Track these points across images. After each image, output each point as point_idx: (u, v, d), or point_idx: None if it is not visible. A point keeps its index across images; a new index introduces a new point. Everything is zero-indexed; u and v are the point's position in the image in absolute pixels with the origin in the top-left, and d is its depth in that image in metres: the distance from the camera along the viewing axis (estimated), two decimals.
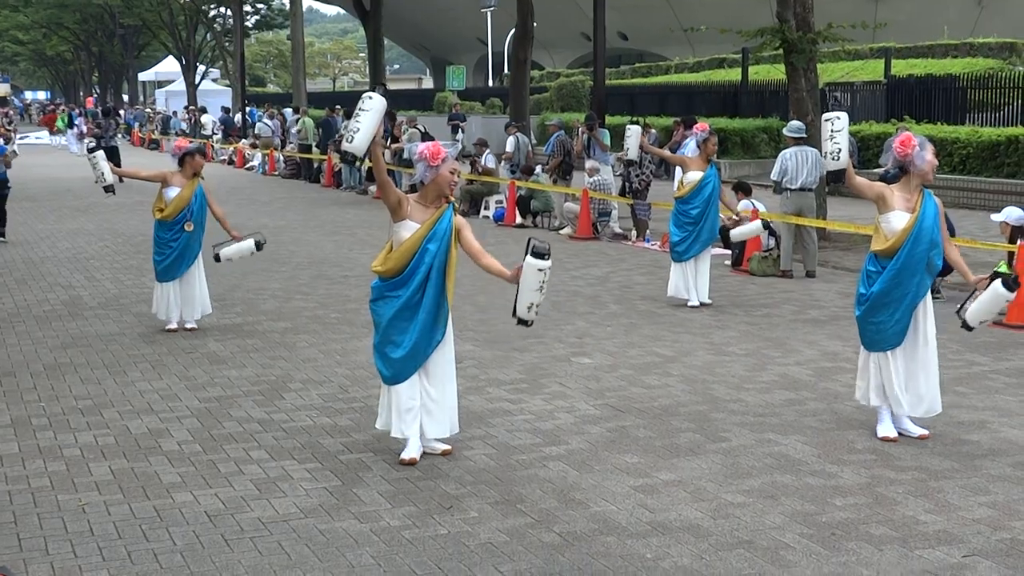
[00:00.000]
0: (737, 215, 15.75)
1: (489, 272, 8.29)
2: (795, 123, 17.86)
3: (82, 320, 13.79)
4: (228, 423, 9.34)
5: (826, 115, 8.94)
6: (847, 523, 7.03)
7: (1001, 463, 8.22)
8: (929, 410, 8.87)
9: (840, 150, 8.68)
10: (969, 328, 9.23)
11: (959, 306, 9.31)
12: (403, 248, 8.09)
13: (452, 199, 8.26)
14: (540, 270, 7.92)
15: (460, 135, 37.42)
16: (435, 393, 8.26)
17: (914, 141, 8.66)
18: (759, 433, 9.01)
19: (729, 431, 9.06)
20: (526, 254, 7.86)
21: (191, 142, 14.18)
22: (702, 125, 15.28)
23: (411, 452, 8.22)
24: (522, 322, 8.20)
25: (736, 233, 15.70)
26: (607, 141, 23.10)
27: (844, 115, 8.93)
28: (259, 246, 12.93)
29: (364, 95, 8.04)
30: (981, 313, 9.10)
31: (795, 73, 20.54)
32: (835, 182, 8.86)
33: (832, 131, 8.74)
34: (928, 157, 8.64)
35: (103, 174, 13.17)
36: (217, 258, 12.88)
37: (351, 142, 7.84)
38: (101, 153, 13.72)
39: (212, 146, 48.04)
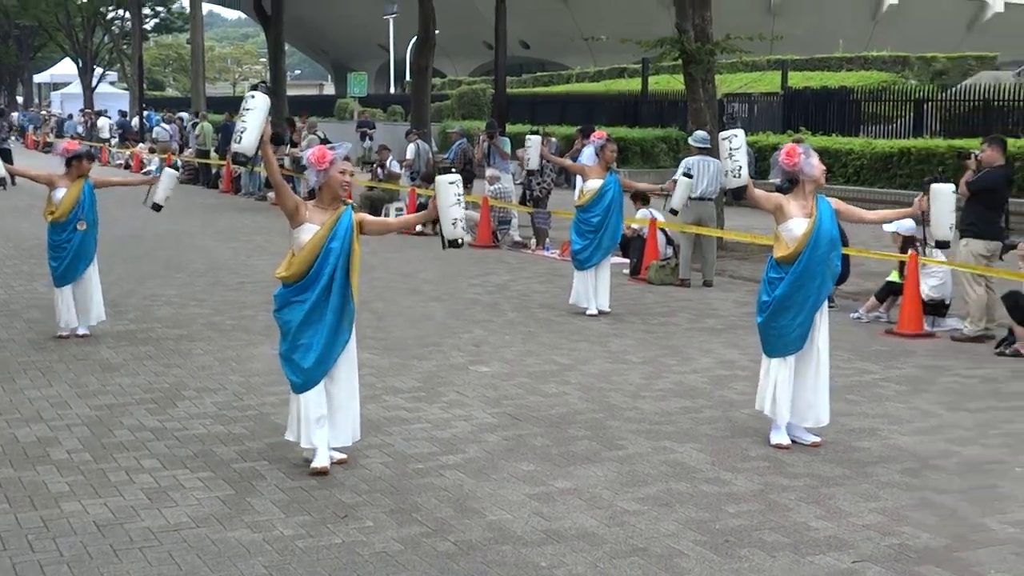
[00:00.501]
0: (663, 190, 15.87)
1: (408, 226, 8.53)
2: (700, 133, 17.99)
3: None
4: (119, 431, 9.21)
5: (723, 133, 9.06)
6: (740, 530, 7.09)
7: (891, 470, 8.34)
8: (817, 421, 8.98)
9: (740, 167, 8.81)
10: (946, 245, 9.70)
11: (923, 240, 9.67)
12: (306, 250, 8.03)
13: (349, 200, 8.22)
14: (451, 183, 8.23)
15: (368, 142, 37.18)
16: (340, 399, 8.19)
17: (799, 150, 8.80)
18: (655, 441, 9.05)
19: (625, 439, 9.10)
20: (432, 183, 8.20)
21: (80, 144, 14.02)
22: (599, 133, 15.36)
23: (322, 461, 8.13)
24: (453, 243, 8.31)
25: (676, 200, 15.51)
26: (507, 149, 23.13)
27: (741, 132, 9.05)
28: (176, 168, 13.10)
29: (247, 94, 8.01)
30: (943, 221, 9.43)
31: (694, 83, 20.71)
32: (737, 199, 8.98)
33: (731, 149, 8.86)
34: (815, 162, 8.81)
35: (166, 198, 13.33)
36: (157, 207, 13.10)
37: (239, 143, 7.82)
38: (174, 173, 13.85)
39: (109, 150, 47.44)
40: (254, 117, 7.86)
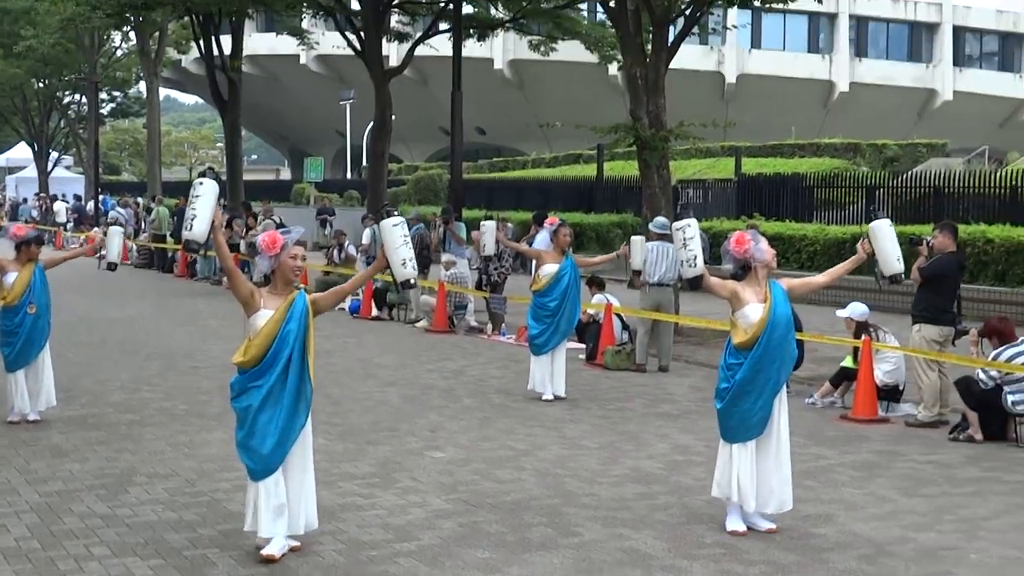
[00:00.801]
0: (619, 255, 15.98)
1: (359, 285, 8.61)
2: (660, 219, 18.09)
3: None
4: (69, 518, 9.08)
5: (677, 224, 9.13)
6: None
7: (847, 556, 8.32)
8: (781, 506, 8.97)
9: (695, 257, 8.87)
10: (899, 279, 9.72)
11: (877, 274, 9.66)
12: (263, 334, 7.99)
13: (303, 284, 8.21)
14: (395, 225, 8.41)
15: (329, 229, 37.15)
16: (294, 485, 8.12)
17: (747, 237, 8.89)
18: (611, 527, 9.01)
19: (581, 525, 9.06)
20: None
21: (31, 229, 13.98)
22: (552, 219, 15.46)
23: (273, 549, 8.03)
24: (405, 283, 8.44)
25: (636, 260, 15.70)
26: (463, 234, 23.21)
27: (694, 221, 9.13)
28: (117, 223, 13.11)
29: (195, 182, 8.03)
30: (889, 255, 9.59)
31: (648, 170, 20.88)
32: (693, 288, 9.01)
33: (685, 239, 8.93)
34: (764, 247, 8.92)
35: (117, 254, 13.40)
36: (112, 266, 13.24)
37: (190, 230, 7.83)
38: (118, 229, 13.97)
39: (64, 234, 47.27)
40: (203, 204, 7.88)
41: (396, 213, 8.68)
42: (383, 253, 8.46)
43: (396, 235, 8.39)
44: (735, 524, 8.88)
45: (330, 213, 42.22)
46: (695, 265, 8.88)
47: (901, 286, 10.92)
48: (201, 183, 7.98)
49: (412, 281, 8.46)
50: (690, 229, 8.98)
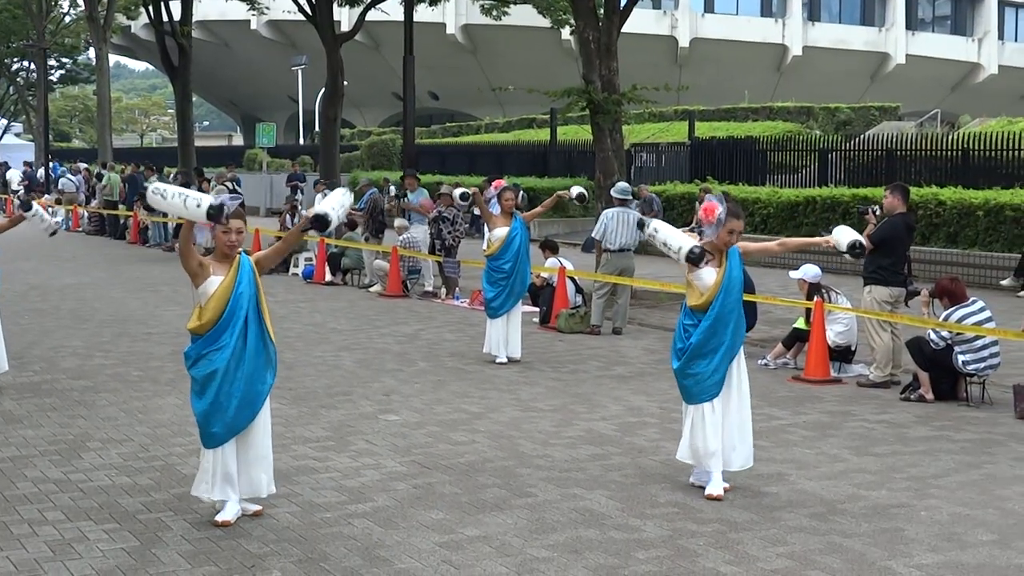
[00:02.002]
0: (560, 197, 15.85)
1: (298, 237, 8.52)
2: (621, 184, 18.09)
3: None
4: (22, 483, 9.04)
5: (646, 231, 9.11)
6: None
7: (799, 514, 8.40)
8: (744, 463, 9.03)
9: (680, 248, 8.80)
10: (856, 247, 9.52)
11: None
12: (215, 297, 7.94)
13: (241, 250, 8.15)
14: (344, 194, 8.50)
15: (300, 195, 36.72)
16: (258, 449, 8.10)
17: (713, 216, 8.86)
18: (564, 488, 9.05)
19: (535, 486, 9.09)
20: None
21: None
22: (498, 182, 15.45)
23: (228, 515, 8.04)
24: (321, 217, 8.16)
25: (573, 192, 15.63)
26: (424, 198, 23.23)
27: (657, 222, 9.13)
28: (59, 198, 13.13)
29: (153, 191, 8.01)
30: (844, 236, 9.54)
31: (601, 133, 20.90)
32: (698, 263, 8.87)
33: (663, 243, 8.89)
34: (722, 233, 8.87)
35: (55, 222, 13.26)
36: (28, 207, 12.85)
37: (335, 211, 8.12)
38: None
39: (14, 201, 46.84)
40: (180, 189, 7.96)
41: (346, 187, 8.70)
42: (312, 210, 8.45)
43: (339, 195, 8.46)
44: (715, 488, 8.84)
45: (301, 179, 41.43)
46: (680, 252, 8.82)
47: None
48: (163, 189, 7.98)
49: (327, 219, 8.28)
50: (659, 234, 8.96)
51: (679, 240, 8.85)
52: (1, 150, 68.03)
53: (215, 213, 7.69)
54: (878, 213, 13.51)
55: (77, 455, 9.93)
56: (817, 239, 9.83)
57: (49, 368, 14.02)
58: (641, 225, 8.95)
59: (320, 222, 8.09)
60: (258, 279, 8.11)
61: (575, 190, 15.67)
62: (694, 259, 8.69)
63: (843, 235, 9.61)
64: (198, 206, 7.72)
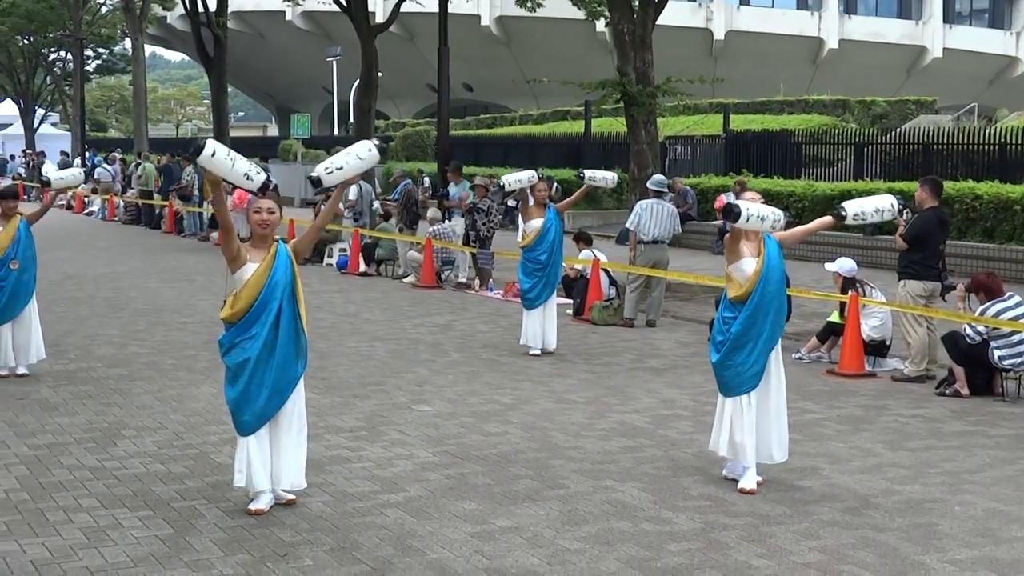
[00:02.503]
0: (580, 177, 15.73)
1: (332, 212, 8.48)
2: (657, 176, 18.08)
3: None
4: (58, 471, 9.11)
5: (853, 218, 9.08)
6: (681, 568, 7.09)
7: (832, 508, 8.37)
8: (780, 457, 9.00)
9: (893, 205, 8.78)
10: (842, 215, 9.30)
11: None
12: (250, 285, 7.95)
13: (278, 237, 8.16)
14: (369, 148, 8.34)
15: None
16: (292, 439, 8.12)
17: (722, 200, 8.87)
18: (597, 480, 9.05)
19: (567, 478, 9.09)
20: None
21: (10, 182, 14.04)
22: None
23: (261, 504, 8.08)
24: (316, 181, 8.23)
25: (593, 176, 15.47)
26: (465, 191, 23.27)
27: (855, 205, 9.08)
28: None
29: (370, 144, 8.18)
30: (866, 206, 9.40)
31: (635, 126, 20.87)
32: (733, 220, 8.77)
33: (758, 216, 8.77)
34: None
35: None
36: (47, 183, 13.36)
37: (329, 173, 7.98)
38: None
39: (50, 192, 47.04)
40: (354, 163, 8.04)
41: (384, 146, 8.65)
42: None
43: (361, 147, 8.36)
44: (748, 482, 8.83)
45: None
46: (893, 209, 8.81)
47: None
48: (370, 150, 8.03)
49: (317, 181, 8.26)
50: (862, 211, 8.95)
51: (771, 210, 8.80)
52: (38, 140, 68.39)
53: (265, 186, 7.76)
54: (906, 216, 13.42)
55: (112, 443, 9.99)
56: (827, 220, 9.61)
57: (85, 356, 14.10)
58: (735, 216, 8.73)
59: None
60: (295, 268, 8.12)
61: (608, 174, 15.57)
62: (732, 212, 8.63)
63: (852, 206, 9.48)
64: (247, 178, 7.79)
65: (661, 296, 17.54)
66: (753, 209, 8.67)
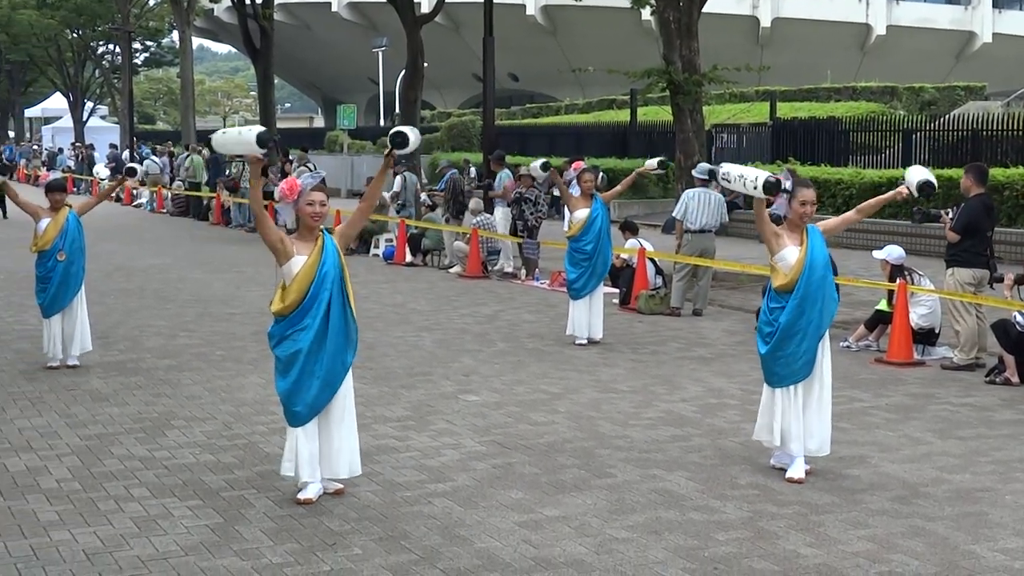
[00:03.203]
0: (640, 174, 15.69)
1: (378, 188, 8.57)
2: (703, 165, 18.06)
3: None
4: (109, 460, 9.19)
5: (718, 177, 9.02)
6: (729, 557, 7.08)
7: (880, 497, 8.33)
8: (820, 448, 8.95)
9: (756, 177, 8.68)
10: (927, 184, 9.25)
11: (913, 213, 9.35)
12: (300, 277, 7.98)
13: (323, 228, 8.18)
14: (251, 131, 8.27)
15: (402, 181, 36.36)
16: (338, 428, 8.15)
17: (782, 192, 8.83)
18: (644, 469, 9.05)
19: (614, 467, 9.10)
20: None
21: (55, 177, 14.18)
22: (577, 164, 15.43)
23: (310, 493, 8.13)
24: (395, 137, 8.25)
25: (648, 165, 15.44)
26: (508, 181, 23.28)
27: (727, 165, 9.03)
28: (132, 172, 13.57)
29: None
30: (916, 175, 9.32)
31: (682, 114, 20.80)
32: (772, 192, 8.74)
33: (738, 176, 8.78)
34: (794, 205, 8.81)
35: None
36: (133, 172, 14.07)
37: (251, 130, 7.98)
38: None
39: (100, 183, 47.43)
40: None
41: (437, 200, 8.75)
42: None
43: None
44: (796, 471, 8.78)
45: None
46: (758, 185, 8.71)
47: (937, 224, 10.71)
48: (250, 131, 8.06)
49: (401, 136, 8.28)
50: (731, 171, 8.85)
51: (753, 172, 8.76)
52: (87, 133, 68.88)
53: (265, 137, 7.78)
54: (950, 214, 13.31)
55: (162, 433, 10.07)
56: (891, 194, 9.55)
57: (134, 347, 14.21)
58: (712, 175, 8.77)
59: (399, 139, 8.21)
60: (343, 258, 8.15)
61: (653, 161, 15.52)
62: (770, 187, 8.56)
63: (913, 175, 9.41)
64: (240, 134, 7.95)
65: (708, 285, 17.49)
66: (735, 172, 8.71)
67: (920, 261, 18.07)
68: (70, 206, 13.01)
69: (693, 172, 17.93)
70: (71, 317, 12.86)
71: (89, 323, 13.16)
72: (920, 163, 29.30)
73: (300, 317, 8.03)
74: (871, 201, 9.53)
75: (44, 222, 12.81)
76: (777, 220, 9.16)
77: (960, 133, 29.51)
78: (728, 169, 8.95)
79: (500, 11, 31.37)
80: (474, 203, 22.94)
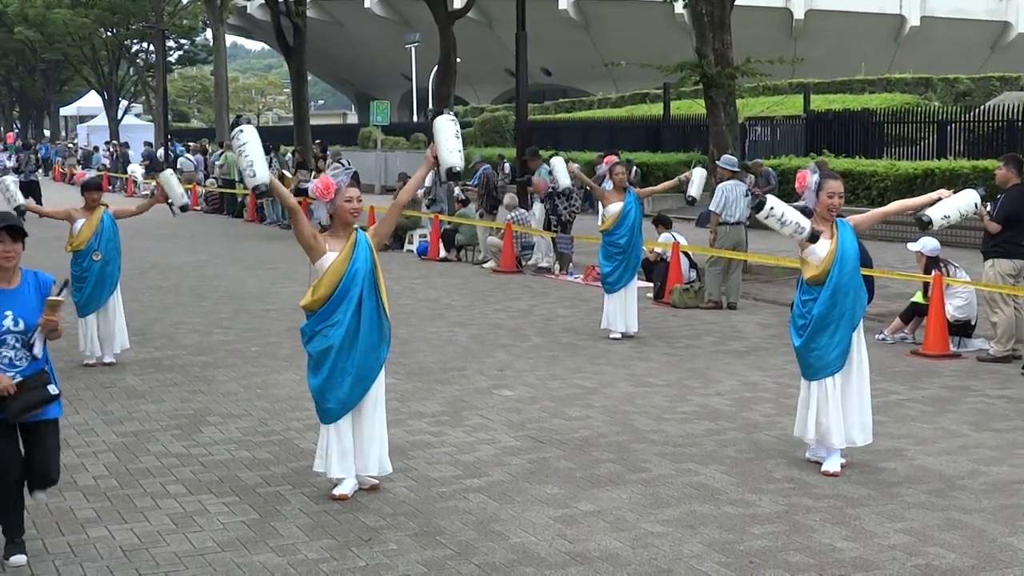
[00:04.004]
0: (680, 180, 15.62)
1: (416, 186, 8.60)
2: (728, 157, 18.00)
3: None
4: (145, 457, 9.25)
5: (763, 212, 8.92)
6: (765, 551, 7.07)
7: (916, 490, 8.30)
8: (865, 439, 8.91)
9: (798, 224, 8.71)
10: (928, 223, 9.26)
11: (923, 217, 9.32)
12: (330, 273, 8.00)
13: (357, 225, 8.20)
14: (451, 120, 8.47)
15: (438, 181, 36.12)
16: (369, 424, 8.18)
17: (807, 181, 8.82)
18: (679, 463, 9.04)
19: (649, 461, 9.09)
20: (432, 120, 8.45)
21: (92, 175, 14.22)
22: (608, 158, 15.39)
23: (345, 489, 8.16)
24: (450, 171, 8.40)
25: (694, 189, 15.38)
26: (542, 176, 23.28)
27: (773, 200, 8.93)
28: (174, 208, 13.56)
29: (235, 131, 8.10)
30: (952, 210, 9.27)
31: (715, 107, 20.75)
32: (814, 240, 8.75)
33: (779, 219, 8.71)
34: (822, 197, 8.78)
35: (13, 196, 13.55)
36: (184, 208, 13.98)
37: (254, 176, 7.89)
38: (9, 178, 14.06)
39: (134, 181, 47.69)
40: (253, 148, 7.95)
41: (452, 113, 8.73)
42: (433, 148, 8.44)
43: (450, 129, 8.41)
44: (832, 464, 8.76)
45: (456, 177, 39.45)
46: (803, 230, 8.70)
47: (969, 221, 10.66)
48: (242, 130, 8.05)
49: (456, 168, 8.40)
50: (776, 210, 8.77)
51: (797, 217, 8.73)
52: (122, 131, 69.19)
53: (256, 191, 7.92)
54: (989, 206, 13.22)
55: (198, 429, 10.12)
56: (930, 196, 9.50)
57: (170, 344, 14.28)
58: (759, 207, 8.75)
59: (450, 173, 8.42)
60: (375, 255, 8.17)
61: (692, 189, 15.40)
62: (813, 238, 8.64)
63: (962, 199, 9.40)
64: (252, 175, 7.92)
65: (739, 278, 17.46)
66: (779, 210, 8.64)
67: (955, 253, 17.96)
68: (106, 205, 13.07)
69: (719, 163, 17.87)
70: (108, 316, 12.94)
71: (125, 321, 13.23)
72: (954, 155, 29.25)
73: (330, 312, 8.05)
74: (908, 202, 9.50)
75: (79, 223, 12.89)
76: (806, 213, 9.11)
77: (996, 124, 29.33)
78: (773, 208, 8.79)
79: (533, 6, 31.30)
80: (508, 198, 22.94)
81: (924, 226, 9.23)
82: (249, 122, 8.43)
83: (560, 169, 17.28)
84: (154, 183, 42.47)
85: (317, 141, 38.07)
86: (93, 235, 12.83)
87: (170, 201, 13.68)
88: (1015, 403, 11.09)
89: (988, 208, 13.15)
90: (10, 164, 54.47)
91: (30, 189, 29.36)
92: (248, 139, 7.96)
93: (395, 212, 8.65)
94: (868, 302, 13.31)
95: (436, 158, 8.44)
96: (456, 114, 9.13)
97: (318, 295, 8.05)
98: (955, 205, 9.26)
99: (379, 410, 8.26)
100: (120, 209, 13.57)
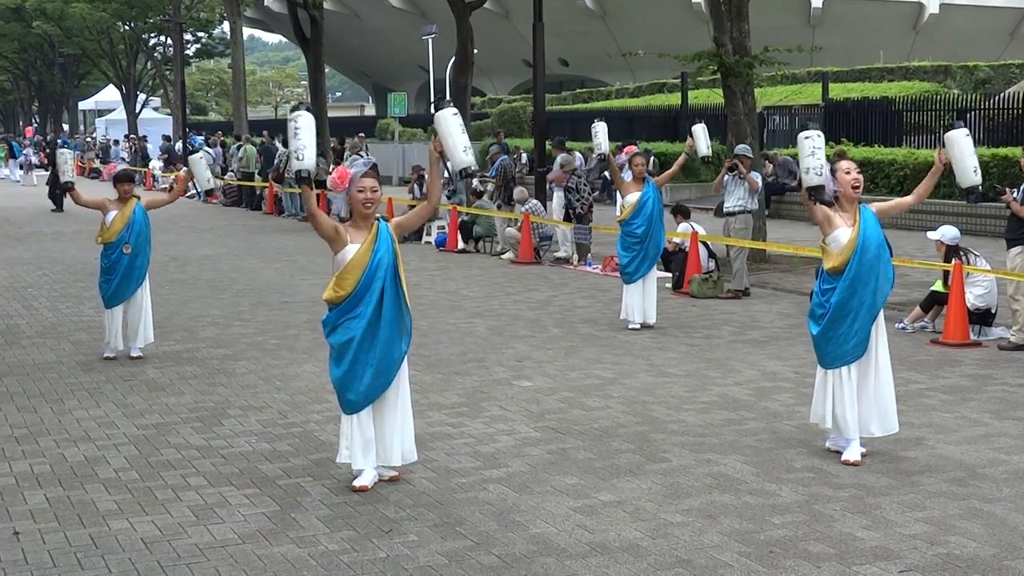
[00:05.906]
0: (686, 153, 15.66)
1: (433, 190, 8.56)
2: (742, 146, 17.98)
3: (19, 349, 13.66)
4: (166, 450, 9.27)
5: (804, 133, 8.92)
6: (785, 541, 7.06)
7: (937, 479, 8.28)
8: (887, 428, 8.90)
9: (822, 165, 8.72)
10: (975, 191, 9.47)
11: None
12: (354, 264, 8.00)
13: (379, 216, 8.20)
14: (454, 115, 8.44)
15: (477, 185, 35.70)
16: (392, 416, 8.18)
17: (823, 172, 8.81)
18: (699, 453, 9.03)
19: (669, 451, 9.08)
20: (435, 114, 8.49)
21: (125, 167, 14.30)
22: (628, 148, 15.38)
23: (365, 480, 8.17)
24: (464, 171, 8.44)
25: (701, 148, 15.43)
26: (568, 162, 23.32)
27: (820, 133, 8.99)
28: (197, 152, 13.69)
29: (293, 115, 8.10)
30: (965, 166, 9.39)
31: (733, 97, 20.69)
32: (814, 198, 8.80)
33: (814, 148, 8.77)
34: (840, 177, 8.78)
35: (208, 179, 13.94)
36: (210, 191, 13.60)
37: (301, 159, 7.92)
38: (197, 156, 14.56)
39: (153, 174, 47.84)
40: (307, 134, 7.99)
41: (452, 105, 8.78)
42: (436, 142, 8.43)
43: (454, 123, 8.39)
44: (851, 454, 8.74)
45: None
46: (821, 173, 8.72)
47: (988, 204, 10.66)
48: (300, 115, 8.08)
49: (471, 168, 8.42)
50: (819, 139, 8.81)
51: (824, 163, 8.74)
52: (140, 124, 69.33)
53: (297, 175, 7.96)
54: (1016, 193, 13.17)
55: (218, 422, 10.15)
56: (936, 165, 9.50)
57: (190, 337, 14.32)
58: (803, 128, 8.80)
59: (464, 173, 8.47)
60: (397, 246, 8.17)
61: (699, 136, 15.45)
62: (814, 192, 8.74)
63: (963, 173, 9.41)
64: (300, 159, 7.97)
65: (744, 265, 17.41)
66: (821, 144, 8.74)
67: (975, 241, 17.93)
68: (138, 197, 13.08)
69: (736, 150, 17.83)
70: (135, 308, 12.94)
71: (152, 315, 13.25)
72: (975, 142, 29.11)
73: (353, 305, 8.05)
74: (922, 186, 9.51)
75: (112, 214, 12.89)
76: (828, 203, 9.08)
77: (1016, 111, 29.17)
78: (815, 138, 8.83)
79: None
80: (518, 192, 22.93)
81: (976, 194, 9.30)
82: (309, 110, 8.49)
83: (602, 135, 16.98)
84: (173, 176, 42.67)
85: (360, 134, 38.07)
86: (124, 227, 12.83)
87: (194, 182, 13.78)
88: None
89: (1015, 195, 13.08)
90: (35, 160, 54.86)
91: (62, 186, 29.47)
92: (304, 124, 8.02)
93: (427, 210, 8.65)
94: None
95: (442, 153, 8.44)
96: (473, 105, 9.14)
97: (342, 288, 8.03)
98: (968, 153, 9.28)
99: (402, 402, 8.27)
100: (152, 199, 13.57)
